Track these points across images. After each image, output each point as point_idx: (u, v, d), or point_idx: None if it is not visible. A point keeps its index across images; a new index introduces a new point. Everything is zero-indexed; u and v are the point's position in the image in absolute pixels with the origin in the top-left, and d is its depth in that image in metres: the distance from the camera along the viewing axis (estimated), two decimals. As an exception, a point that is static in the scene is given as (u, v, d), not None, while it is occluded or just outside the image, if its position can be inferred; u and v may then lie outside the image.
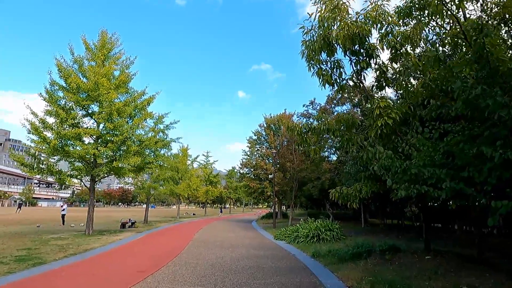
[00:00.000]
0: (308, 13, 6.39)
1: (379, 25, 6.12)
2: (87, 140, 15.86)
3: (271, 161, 28.96)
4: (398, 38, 6.18)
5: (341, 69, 6.56)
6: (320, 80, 6.56)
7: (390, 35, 6.20)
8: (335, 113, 19.31)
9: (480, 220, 8.80)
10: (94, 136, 15.59)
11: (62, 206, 24.79)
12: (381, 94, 7.41)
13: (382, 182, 6.62)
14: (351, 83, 6.73)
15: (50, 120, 14.74)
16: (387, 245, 9.39)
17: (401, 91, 7.00)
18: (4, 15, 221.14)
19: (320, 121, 6.94)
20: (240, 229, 22.91)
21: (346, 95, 19.49)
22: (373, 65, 6.48)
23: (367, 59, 6.26)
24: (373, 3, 6.11)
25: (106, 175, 16.51)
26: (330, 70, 6.54)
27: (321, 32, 6.25)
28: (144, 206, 29.97)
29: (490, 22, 6.35)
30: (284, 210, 43.15)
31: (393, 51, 6.26)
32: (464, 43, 5.73)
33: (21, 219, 27.10)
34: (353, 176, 11.27)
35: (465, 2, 5.95)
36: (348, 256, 8.99)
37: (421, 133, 5.27)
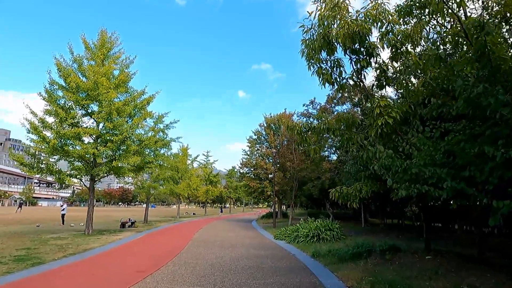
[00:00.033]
0: (308, 11, 6.34)
1: (379, 23, 6.06)
2: (86, 139, 15.86)
3: (271, 160, 28.92)
4: (399, 36, 6.12)
5: (341, 68, 6.50)
6: (320, 79, 6.50)
7: (390, 33, 6.13)
8: (335, 113, 19.27)
9: (481, 220, 8.76)
10: (94, 136, 15.57)
11: (62, 206, 24.78)
12: (381, 93, 7.37)
13: (382, 181, 6.58)
14: (351, 82, 6.68)
15: (50, 119, 14.74)
16: (387, 245, 9.35)
17: (402, 90, 6.96)
18: (4, 15, 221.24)
19: (320, 120, 6.90)
20: (240, 228, 22.88)
21: (346, 95, 19.43)
22: (373, 64, 6.43)
23: (367, 58, 6.20)
24: (373, 2, 6.05)
25: (105, 174, 16.48)
26: (330, 69, 6.48)
27: (321, 30, 6.19)
28: (144, 205, 29.95)
29: (491, 20, 6.31)
30: (284, 209, 43.12)
31: (393, 50, 6.20)
32: (465, 42, 5.68)
33: (21, 219, 27.08)
34: (353, 175, 11.23)
35: (466, 0, 5.90)
36: (348, 256, 8.96)
37: (422, 132, 5.23)
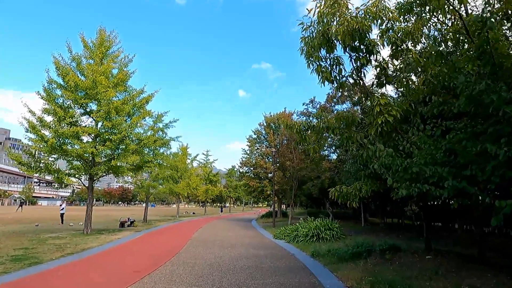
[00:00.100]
0: (307, 9, 6.27)
1: (379, 21, 5.98)
2: (85, 138, 15.78)
3: (270, 160, 28.86)
4: (399, 34, 6.05)
5: (341, 66, 6.42)
6: (320, 77, 6.43)
7: (390, 31, 6.06)
8: (335, 112, 19.18)
9: (481, 219, 8.71)
10: (93, 135, 15.50)
11: (61, 205, 24.72)
12: (381, 92, 7.29)
13: (382, 181, 6.52)
14: (351, 80, 6.60)
15: (48, 118, 14.65)
16: (387, 245, 9.30)
17: (402, 88, 6.89)
18: (4, 15, 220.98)
19: (319, 119, 6.83)
20: (240, 228, 22.83)
21: (346, 93, 19.37)
22: (373, 62, 6.36)
23: (367, 55, 6.13)
24: (373, -2, 5.98)
25: (104, 174, 16.41)
26: (329, 67, 6.41)
27: (320, 28, 6.12)
28: (144, 205, 29.90)
29: (492, 18, 6.23)
30: (284, 209, 43.09)
31: (393, 47, 6.13)
32: (466, 40, 5.61)
33: (20, 218, 27.03)
34: (353, 175, 11.16)
35: (467, -3, 5.82)
36: (348, 255, 8.90)
37: (423, 131, 5.16)
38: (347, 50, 6.27)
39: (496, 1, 6.68)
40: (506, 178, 3.74)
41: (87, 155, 14.92)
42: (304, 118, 22.79)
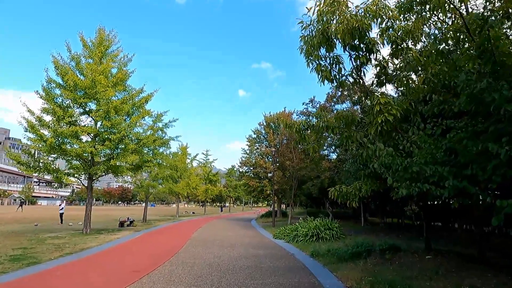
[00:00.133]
0: (306, 7, 6.23)
1: (379, 19, 5.94)
2: (84, 138, 15.75)
3: (270, 159, 28.82)
4: (399, 33, 6.01)
5: (341, 65, 6.38)
6: (319, 76, 6.39)
7: (390, 29, 6.02)
8: (335, 111, 19.14)
9: (482, 219, 8.67)
10: (92, 134, 15.46)
11: (60, 205, 24.66)
12: (381, 91, 7.26)
13: (382, 180, 6.48)
14: (350, 79, 6.56)
15: (47, 118, 14.61)
16: (387, 245, 9.27)
17: (402, 88, 6.85)
18: (5, 15, 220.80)
19: (319, 118, 6.79)
20: (240, 227, 22.80)
21: (346, 93, 19.32)
22: (373, 60, 6.32)
23: (367, 54, 6.09)
24: (373, -3, 5.94)
25: (103, 173, 16.36)
26: (329, 66, 6.36)
27: (320, 27, 6.08)
28: (144, 204, 29.88)
29: (492, 17, 6.19)
30: (284, 208, 43.04)
31: (393, 46, 6.09)
32: (466, 38, 5.58)
33: (20, 218, 26.99)
34: (352, 174, 11.13)
35: (468, -5, 5.79)
36: (348, 255, 8.87)
37: (423, 130, 5.12)
38: (347, 49, 6.23)
39: (496, 0, 6.65)
40: (507, 177, 3.70)
41: (86, 154, 14.88)
42: (304, 117, 22.74)
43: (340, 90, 8.96)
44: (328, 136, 16.59)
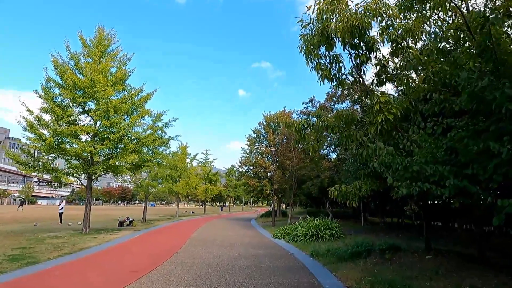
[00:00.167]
0: (306, 6, 6.19)
1: (379, 18, 5.90)
2: (83, 137, 15.69)
3: (270, 159, 28.78)
4: (399, 31, 5.97)
5: (340, 64, 6.35)
6: (319, 75, 6.35)
7: (391, 28, 5.98)
8: (335, 111, 19.11)
9: (482, 218, 8.64)
10: (91, 134, 15.41)
11: (59, 204, 24.61)
12: (381, 90, 7.22)
13: (382, 179, 6.45)
14: (350, 78, 6.52)
15: (46, 117, 14.57)
16: (387, 244, 9.23)
17: (402, 87, 6.81)
18: (5, 15, 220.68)
19: (318, 118, 6.76)
20: (239, 227, 22.77)
21: (345, 92, 19.30)
22: (373, 59, 6.29)
23: (367, 52, 6.05)
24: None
25: (103, 173, 16.33)
26: (329, 65, 6.33)
27: (319, 25, 6.04)
28: (143, 204, 29.85)
29: (493, 15, 6.16)
30: (284, 208, 43.01)
31: (394, 44, 6.05)
32: (467, 37, 5.54)
33: (19, 218, 26.96)
34: (352, 174, 11.10)
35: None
36: (348, 255, 8.84)
37: (423, 129, 5.09)
38: (347, 47, 6.20)
39: (497, -2, 6.61)
40: (508, 176, 3.67)
41: (86, 154, 14.84)
42: (304, 117, 22.71)
43: (340, 89, 8.94)
44: (328, 136, 16.59)
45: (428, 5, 5.92)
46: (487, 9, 5.01)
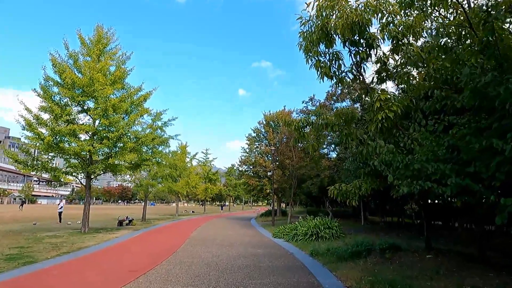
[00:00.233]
0: (306, 3, 6.11)
1: (379, 14, 5.83)
2: (82, 136, 15.61)
3: (270, 158, 28.72)
4: (400, 28, 5.90)
5: (340, 61, 6.27)
6: (318, 72, 6.28)
7: (391, 25, 5.90)
8: (335, 109, 19.04)
9: (482, 218, 8.57)
10: (90, 133, 15.34)
11: (59, 204, 24.54)
12: (381, 88, 7.15)
13: (382, 178, 6.38)
14: (350, 75, 6.45)
15: (45, 116, 14.50)
16: (387, 244, 9.17)
17: (403, 85, 6.74)
18: (4, 15, 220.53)
19: (318, 116, 6.68)
20: (239, 227, 22.71)
21: (345, 90, 19.22)
22: (373, 56, 6.21)
23: (367, 49, 5.98)
24: (374, -9, 5.82)
25: (102, 172, 16.27)
26: (328, 62, 6.26)
27: (319, 22, 5.97)
28: (143, 203, 29.81)
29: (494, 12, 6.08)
30: (283, 207, 42.98)
31: (394, 41, 5.97)
32: (468, 34, 5.47)
33: (19, 217, 26.91)
34: (352, 173, 11.03)
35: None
36: (347, 254, 8.77)
37: (424, 126, 5.01)
38: (347, 44, 6.12)
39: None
40: (511, 175, 3.60)
41: (84, 153, 14.78)
42: (303, 116, 22.64)
43: (339, 87, 8.89)
44: (327, 134, 16.52)
45: (429, 1, 5.84)
46: (490, 3, 4.94)
